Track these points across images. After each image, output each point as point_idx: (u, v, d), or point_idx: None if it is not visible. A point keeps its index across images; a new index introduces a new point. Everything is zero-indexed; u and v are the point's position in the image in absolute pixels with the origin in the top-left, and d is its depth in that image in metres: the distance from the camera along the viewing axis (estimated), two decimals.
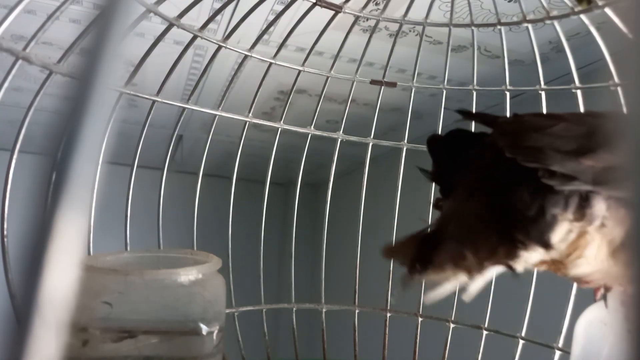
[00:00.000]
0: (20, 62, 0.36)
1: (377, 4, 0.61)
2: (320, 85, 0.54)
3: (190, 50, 0.90)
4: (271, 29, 0.84)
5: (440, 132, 0.56)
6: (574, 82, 0.48)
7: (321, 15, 0.49)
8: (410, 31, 0.86)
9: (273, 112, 1.30)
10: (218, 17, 0.84)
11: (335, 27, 0.51)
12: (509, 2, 0.70)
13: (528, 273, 0.44)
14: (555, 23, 0.47)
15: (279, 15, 0.49)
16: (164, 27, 0.43)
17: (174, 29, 0.44)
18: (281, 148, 0.53)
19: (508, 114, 0.52)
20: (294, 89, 0.52)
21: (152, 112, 0.46)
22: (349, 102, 0.55)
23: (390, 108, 1.24)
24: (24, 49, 0.36)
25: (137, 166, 0.46)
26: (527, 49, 0.90)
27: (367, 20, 0.78)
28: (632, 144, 0.10)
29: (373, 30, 0.53)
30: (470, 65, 0.55)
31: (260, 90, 0.50)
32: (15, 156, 0.37)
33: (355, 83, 0.55)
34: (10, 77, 0.35)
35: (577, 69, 0.48)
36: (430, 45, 0.90)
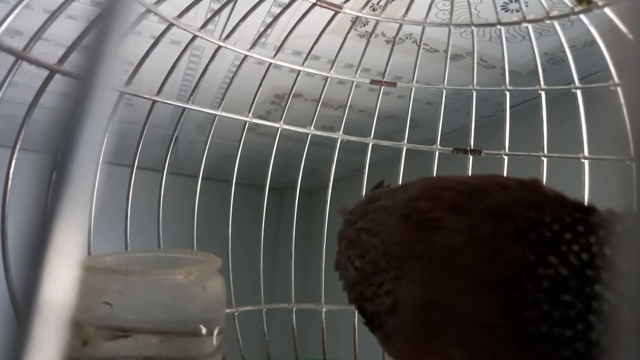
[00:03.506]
0: (20, 62, 0.36)
1: (374, 9, 0.60)
2: (315, 89, 0.54)
3: (187, 51, 0.90)
4: (268, 31, 0.84)
5: (439, 135, 0.56)
6: (573, 82, 0.48)
7: (319, 18, 0.49)
8: (407, 38, 0.86)
9: (269, 115, 1.30)
10: (215, 18, 0.84)
11: (333, 31, 0.51)
12: (505, 11, 0.70)
13: None
14: (555, 23, 0.47)
15: (280, 14, 0.49)
16: (161, 25, 0.44)
17: (171, 29, 0.44)
18: (277, 153, 0.53)
19: (508, 115, 0.52)
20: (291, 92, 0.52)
21: (151, 112, 0.46)
22: (349, 103, 0.55)
23: (386, 115, 1.24)
24: (25, 49, 0.36)
25: (130, 167, 0.46)
26: (522, 60, 0.90)
27: (367, 22, 0.78)
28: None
29: (373, 30, 0.53)
30: (465, 74, 0.55)
31: (257, 92, 0.50)
32: (15, 156, 0.37)
33: (354, 86, 0.55)
34: (10, 77, 0.35)
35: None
36: (427, 53, 0.89)
